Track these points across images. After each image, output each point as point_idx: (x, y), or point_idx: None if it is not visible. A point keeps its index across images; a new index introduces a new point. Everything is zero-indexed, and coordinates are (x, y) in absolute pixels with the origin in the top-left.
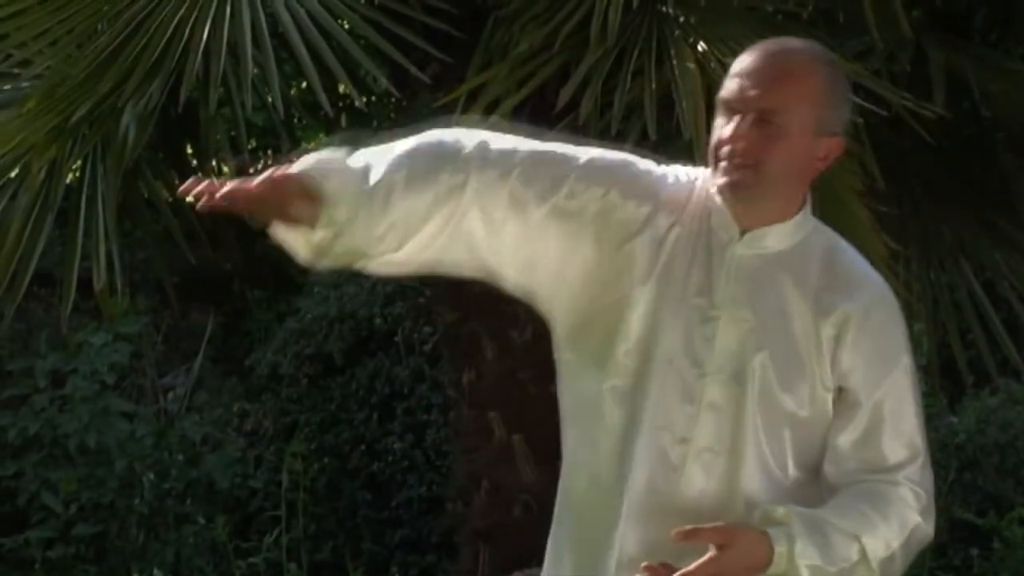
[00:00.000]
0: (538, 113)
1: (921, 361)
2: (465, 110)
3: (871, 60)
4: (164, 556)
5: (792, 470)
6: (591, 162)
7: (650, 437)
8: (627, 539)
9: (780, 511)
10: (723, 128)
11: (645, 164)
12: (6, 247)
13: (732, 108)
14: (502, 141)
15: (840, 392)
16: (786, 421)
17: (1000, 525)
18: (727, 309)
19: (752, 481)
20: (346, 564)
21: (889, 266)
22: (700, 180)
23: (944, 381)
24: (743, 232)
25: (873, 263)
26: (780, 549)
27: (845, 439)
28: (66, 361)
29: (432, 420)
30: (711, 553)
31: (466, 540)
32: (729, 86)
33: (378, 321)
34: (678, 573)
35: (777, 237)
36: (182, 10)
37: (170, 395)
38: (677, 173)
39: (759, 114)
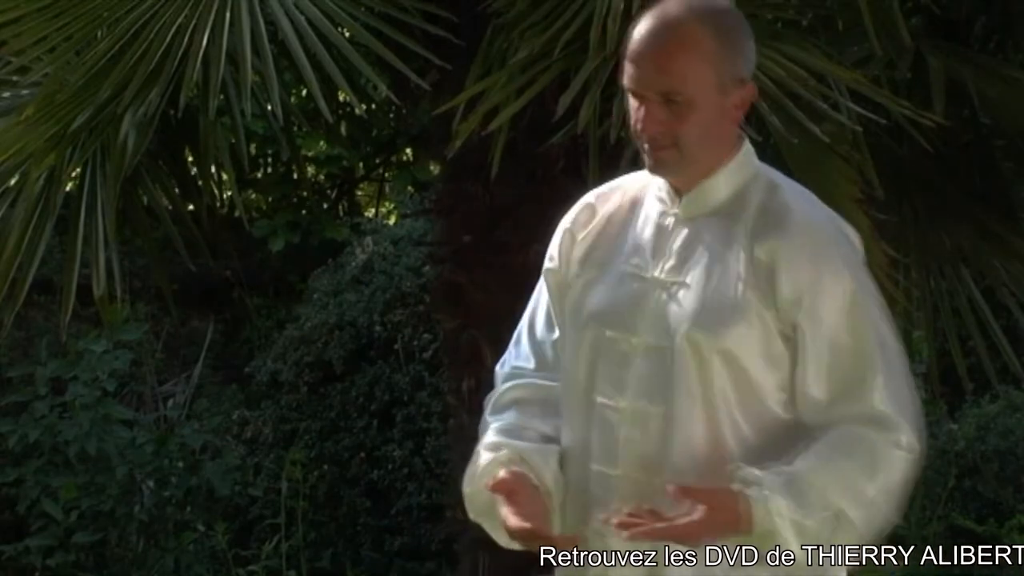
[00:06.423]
0: (537, 121)
1: (921, 368)
2: (464, 118)
3: (870, 68)
4: (164, 564)
5: (737, 418)
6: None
7: (588, 406)
8: (592, 500)
9: (755, 472)
10: (634, 114)
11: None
12: (6, 254)
13: (636, 94)
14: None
15: (793, 329)
16: (719, 365)
17: (1000, 532)
18: (660, 272)
19: (694, 431)
20: (345, 572)
21: (888, 274)
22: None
23: (944, 388)
24: (681, 194)
25: (872, 271)
26: (757, 505)
27: (807, 378)
28: (66, 368)
29: (432, 427)
30: (698, 512)
31: (466, 548)
32: (627, 72)
33: (378, 328)
34: (665, 523)
35: (713, 190)
36: (181, 17)
37: (170, 402)
38: (613, 181)
39: (662, 96)
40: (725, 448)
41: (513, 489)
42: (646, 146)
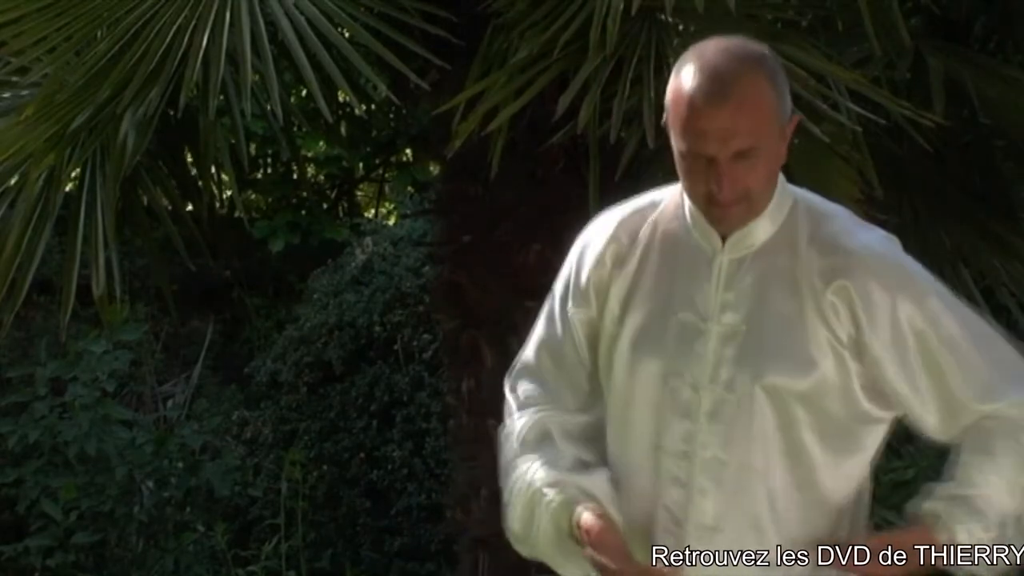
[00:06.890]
0: (537, 121)
1: None
2: (463, 118)
3: (870, 68)
4: (163, 564)
5: (819, 455)
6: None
7: (652, 457)
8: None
9: (938, 507)
10: (695, 175)
11: (576, 250)
12: (5, 255)
13: (702, 157)
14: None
15: (877, 363)
16: (797, 408)
17: None
18: (716, 320)
19: (772, 479)
20: (345, 572)
21: None
22: (664, 199)
23: None
24: (724, 237)
25: None
26: (959, 537)
27: (917, 407)
28: (66, 369)
29: (431, 428)
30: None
31: (465, 548)
32: (690, 140)
33: (377, 329)
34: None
35: (760, 228)
36: (181, 17)
37: (170, 403)
38: (630, 206)
39: (734, 155)
40: (815, 491)
41: (601, 531)
42: (715, 209)
